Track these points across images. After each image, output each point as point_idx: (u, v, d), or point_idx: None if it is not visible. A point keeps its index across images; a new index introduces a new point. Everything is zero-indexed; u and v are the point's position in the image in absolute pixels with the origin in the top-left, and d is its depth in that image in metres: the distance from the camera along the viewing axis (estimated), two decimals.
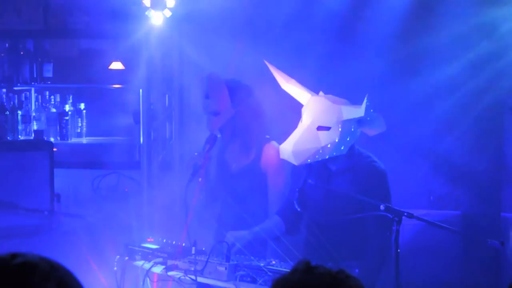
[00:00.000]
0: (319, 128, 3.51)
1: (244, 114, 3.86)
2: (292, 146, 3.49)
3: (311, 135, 3.50)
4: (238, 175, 3.94)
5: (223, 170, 4.00)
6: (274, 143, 3.92)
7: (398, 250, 3.11)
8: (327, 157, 3.51)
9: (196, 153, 3.91)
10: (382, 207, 3.17)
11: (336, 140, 3.49)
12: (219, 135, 3.95)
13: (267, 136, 3.93)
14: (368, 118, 3.53)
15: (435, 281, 4.77)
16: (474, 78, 4.92)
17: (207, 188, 3.97)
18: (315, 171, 3.61)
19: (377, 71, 4.77)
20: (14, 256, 1.29)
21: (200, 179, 3.88)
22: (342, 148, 3.53)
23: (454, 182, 5.11)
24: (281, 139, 3.89)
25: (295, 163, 3.51)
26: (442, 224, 3.37)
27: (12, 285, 1.23)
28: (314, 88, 3.72)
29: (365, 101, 3.49)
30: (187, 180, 3.78)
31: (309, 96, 3.62)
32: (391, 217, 3.14)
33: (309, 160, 3.51)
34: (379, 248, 3.46)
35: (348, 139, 3.54)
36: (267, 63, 3.74)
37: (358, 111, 3.51)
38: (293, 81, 3.70)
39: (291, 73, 3.77)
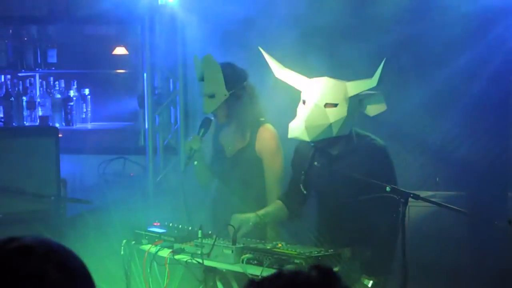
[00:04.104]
0: (327, 105, 3.50)
1: (239, 97, 3.86)
2: (304, 123, 3.47)
3: (320, 112, 3.48)
4: (233, 158, 3.94)
5: (218, 153, 4.01)
6: (269, 125, 3.91)
7: (405, 231, 3.11)
8: (335, 134, 3.49)
9: (191, 137, 3.92)
10: (388, 188, 3.17)
11: (344, 116, 3.48)
12: (213, 118, 3.95)
13: (262, 119, 3.92)
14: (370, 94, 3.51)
15: (442, 262, 4.78)
16: (482, 60, 4.90)
17: (203, 171, 3.98)
18: (318, 155, 3.60)
19: (379, 55, 4.75)
20: (10, 240, 1.27)
21: (196, 163, 3.89)
22: (348, 125, 3.51)
23: (460, 163, 5.10)
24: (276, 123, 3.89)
25: (308, 139, 3.49)
26: (449, 205, 3.37)
27: (8, 269, 1.21)
28: (307, 74, 3.69)
29: (380, 68, 3.44)
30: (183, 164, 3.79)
31: (306, 80, 3.60)
32: (397, 198, 3.14)
33: (320, 137, 3.49)
34: (389, 230, 3.45)
35: (354, 116, 3.53)
36: (261, 50, 3.73)
37: (368, 83, 3.48)
38: (287, 69, 3.68)
39: (284, 59, 3.76)
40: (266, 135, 3.88)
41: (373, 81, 3.46)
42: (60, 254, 1.26)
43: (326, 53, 4.78)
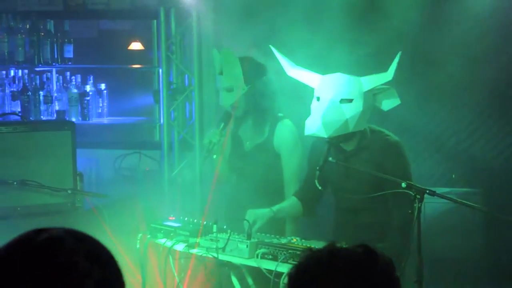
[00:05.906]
0: (342, 100, 3.49)
1: (257, 91, 3.86)
2: (321, 119, 3.47)
3: (336, 108, 3.48)
4: (251, 153, 3.94)
5: (237, 147, 4.01)
6: (288, 120, 3.91)
7: (420, 228, 3.10)
8: (351, 130, 3.49)
9: (211, 131, 3.93)
10: (403, 184, 3.16)
11: (360, 111, 3.48)
12: (232, 112, 3.95)
13: (281, 114, 3.93)
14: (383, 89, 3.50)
15: (458, 258, 4.76)
16: (496, 55, 4.87)
17: (221, 165, 3.99)
18: (333, 151, 3.60)
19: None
20: (39, 232, 1.28)
21: (215, 156, 3.89)
22: (364, 120, 3.50)
23: (476, 160, 5.08)
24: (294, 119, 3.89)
25: (325, 135, 3.49)
26: (465, 202, 3.35)
27: (39, 262, 1.22)
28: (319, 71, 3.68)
29: (395, 61, 3.43)
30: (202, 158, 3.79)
31: (319, 76, 3.60)
32: (413, 194, 3.13)
33: (337, 133, 3.48)
34: (404, 227, 3.44)
35: (369, 111, 3.53)
36: (273, 48, 3.73)
37: (384, 76, 3.47)
38: (298, 67, 3.68)
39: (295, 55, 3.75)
40: (284, 130, 3.88)
41: (388, 75, 3.45)
42: (88, 245, 1.27)
43: (339, 49, 4.76)
